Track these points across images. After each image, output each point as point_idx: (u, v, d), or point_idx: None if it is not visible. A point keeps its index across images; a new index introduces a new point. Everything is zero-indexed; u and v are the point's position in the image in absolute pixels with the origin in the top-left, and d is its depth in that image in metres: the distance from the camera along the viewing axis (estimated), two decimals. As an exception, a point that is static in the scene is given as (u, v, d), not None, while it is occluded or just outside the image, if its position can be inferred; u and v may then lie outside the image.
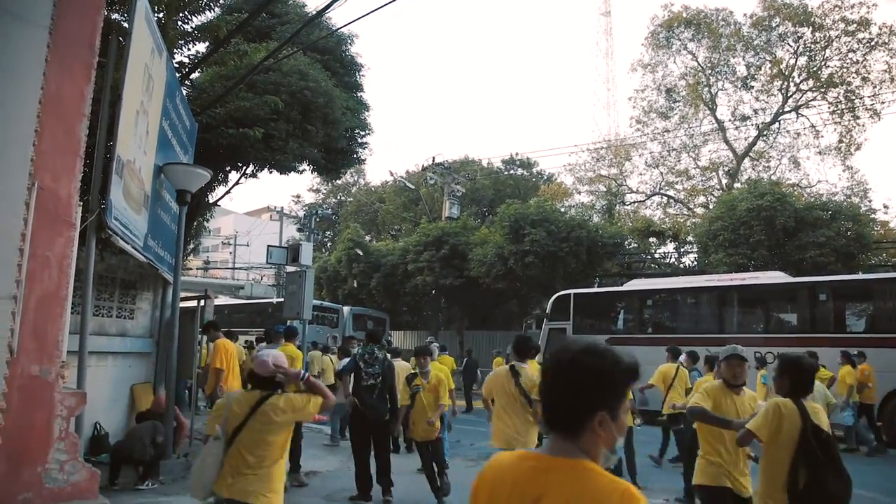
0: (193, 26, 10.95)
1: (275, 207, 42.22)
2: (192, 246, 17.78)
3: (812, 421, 3.42)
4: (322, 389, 3.53)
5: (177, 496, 6.38)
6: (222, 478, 3.32)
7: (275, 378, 3.45)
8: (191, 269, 44.57)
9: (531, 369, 5.89)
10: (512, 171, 38.51)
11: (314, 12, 13.07)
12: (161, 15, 9.83)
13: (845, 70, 26.48)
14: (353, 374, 7.42)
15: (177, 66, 10.49)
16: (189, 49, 11.74)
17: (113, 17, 9.33)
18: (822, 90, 27.24)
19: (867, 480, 8.77)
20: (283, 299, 17.44)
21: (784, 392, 3.60)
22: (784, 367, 3.67)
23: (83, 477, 4.75)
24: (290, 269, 14.98)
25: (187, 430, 8.47)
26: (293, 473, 7.65)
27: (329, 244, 42.09)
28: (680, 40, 30.21)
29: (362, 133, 15.83)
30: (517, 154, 38.61)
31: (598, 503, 1.40)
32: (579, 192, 34.26)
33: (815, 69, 27.16)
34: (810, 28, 26.63)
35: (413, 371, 7.44)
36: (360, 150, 15.99)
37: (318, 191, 46.10)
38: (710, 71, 29.88)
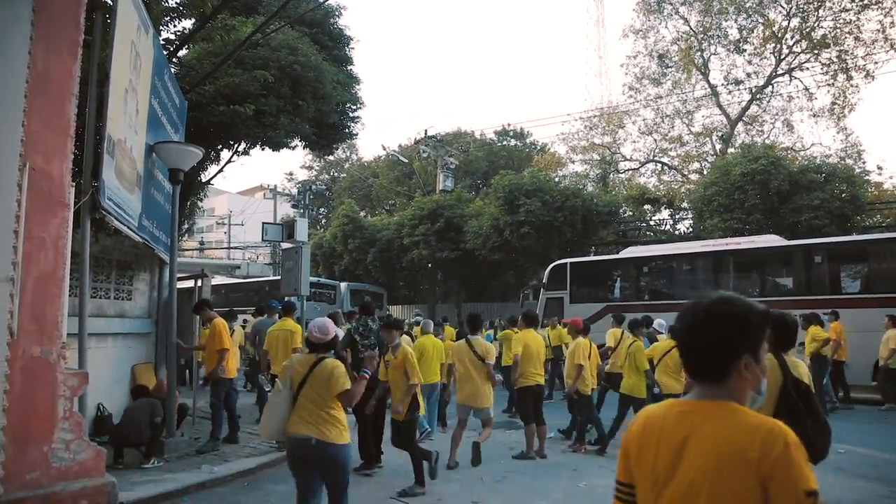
0: (178, 2, 10.76)
1: (268, 186, 41.99)
2: (186, 226, 17.71)
3: (792, 374, 3.58)
4: (354, 391, 4.24)
5: (182, 472, 6.44)
6: (291, 422, 4.16)
7: (326, 344, 4.35)
8: (187, 249, 44.48)
9: (482, 339, 7.68)
10: (505, 143, 38.35)
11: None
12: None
13: (838, 30, 26.25)
14: (349, 348, 7.53)
15: (164, 43, 10.33)
16: (175, 26, 11.54)
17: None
18: (815, 52, 27.03)
19: (868, 438, 8.94)
20: (279, 277, 17.43)
21: (768, 347, 3.63)
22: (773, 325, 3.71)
23: (89, 456, 4.78)
24: (285, 245, 14.95)
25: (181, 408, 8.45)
26: None
27: (324, 221, 42.00)
28: (671, 4, 29.91)
29: (353, 107, 15.67)
30: (510, 125, 38.45)
31: (744, 438, 1.46)
32: (573, 162, 34.20)
33: (807, 30, 26.92)
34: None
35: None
36: (352, 124, 15.85)
37: (310, 168, 45.90)
38: (702, 35, 29.60)
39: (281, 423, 4.20)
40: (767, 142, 27.48)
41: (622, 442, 1.72)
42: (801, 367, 3.72)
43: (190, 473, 6.38)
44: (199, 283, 10.77)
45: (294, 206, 30.65)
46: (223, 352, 8.07)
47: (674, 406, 1.66)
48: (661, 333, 10.14)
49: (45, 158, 4.89)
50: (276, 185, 40.85)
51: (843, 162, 24.30)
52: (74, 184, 5.36)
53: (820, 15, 26.56)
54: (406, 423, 6.39)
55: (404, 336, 9.99)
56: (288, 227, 12.37)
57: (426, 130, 30.03)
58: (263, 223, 13.30)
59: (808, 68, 27.84)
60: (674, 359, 7.65)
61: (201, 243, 52.43)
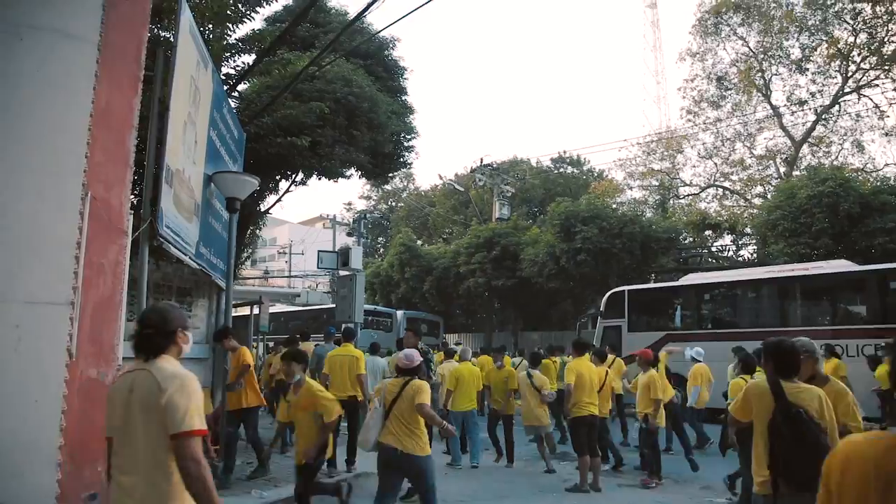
0: (237, 38, 11.20)
1: (327, 216, 42.84)
2: (246, 254, 18.20)
3: (786, 399, 3.59)
4: (426, 411, 5.10)
5: (232, 497, 6.50)
6: (382, 434, 5.07)
7: (412, 370, 5.21)
8: (249, 278, 45.66)
9: (539, 373, 9.40)
10: (561, 170, 38.16)
11: (358, 20, 13.23)
12: (207, 27, 10.10)
13: (911, 44, 25.17)
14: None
15: (224, 77, 10.76)
16: (235, 61, 12.00)
17: (161, 34, 9.64)
18: (886, 67, 25.93)
19: None
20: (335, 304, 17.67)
21: (770, 375, 3.81)
22: (766, 351, 3.89)
23: (141, 476, 4.87)
24: (342, 273, 15.19)
25: None
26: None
27: (382, 250, 42.51)
28: (729, 26, 29.32)
29: (408, 136, 15.93)
30: (566, 152, 38.26)
31: None
32: (631, 188, 33.65)
33: (876, 45, 25.87)
34: (870, 2, 25.37)
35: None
36: (407, 153, 16.11)
37: (368, 197, 46.70)
38: (762, 56, 28.87)
39: (375, 435, 5.09)
40: (836, 163, 26.44)
41: (824, 467, 1.72)
42: (806, 394, 3.67)
43: (240, 498, 6.44)
44: (257, 310, 11.02)
45: (349, 235, 31.16)
46: (248, 367, 8.08)
47: (880, 439, 1.64)
48: (699, 362, 10.84)
49: (105, 188, 5.10)
50: (334, 215, 41.68)
51: (919, 182, 23.10)
52: (133, 212, 5.57)
53: (890, 28, 25.53)
54: (311, 469, 5.69)
55: (446, 362, 10.02)
56: (343, 255, 12.57)
57: (482, 159, 30.20)
58: (319, 251, 13.55)
59: (877, 85, 26.72)
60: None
61: (266, 272, 53.69)
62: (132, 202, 8.58)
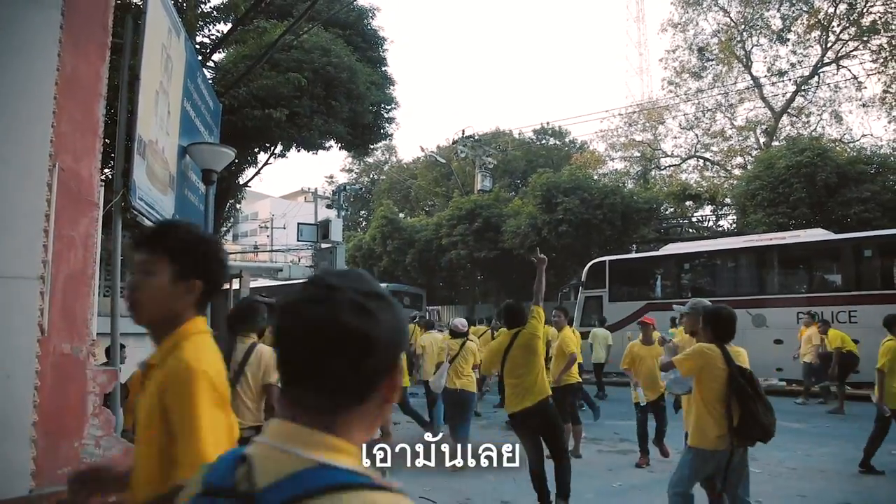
0: (212, 6, 10.95)
1: (309, 189, 42.48)
2: (225, 228, 18.02)
3: (735, 362, 3.98)
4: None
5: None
6: (448, 379, 7.53)
7: (464, 333, 7.99)
8: (231, 253, 45.28)
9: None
10: (544, 141, 38.04)
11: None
12: (179, -4, 9.85)
13: (889, 15, 25.21)
14: None
15: (198, 46, 10.52)
16: (209, 30, 11.72)
17: (132, 1, 9.38)
18: (865, 38, 26.00)
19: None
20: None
21: (708, 339, 4.12)
22: (706, 318, 4.18)
23: (119, 451, 4.84)
24: (323, 246, 15.10)
25: None
26: None
27: (364, 223, 42.31)
28: (711, -5, 29.19)
29: (388, 107, 15.75)
30: (549, 123, 38.12)
31: None
32: (612, 159, 33.70)
33: (856, 16, 25.91)
34: (850, -28, 25.41)
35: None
36: (387, 124, 15.94)
37: (350, 170, 46.34)
38: (743, 26, 28.83)
39: (444, 382, 7.57)
40: (814, 134, 26.60)
41: None
42: (743, 356, 4.12)
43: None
44: (237, 284, 10.93)
45: (328, 207, 30.96)
46: None
47: None
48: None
49: (74, 158, 4.97)
50: (316, 189, 41.33)
51: (895, 152, 23.34)
52: (104, 184, 5.45)
53: (869, 0, 25.57)
54: None
55: (434, 333, 10.04)
56: (323, 228, 12.49)
57: (464, 130, 30.00)
58: (299, 224, 13.46)
59: (856, 56, 26.83)
60: None
61: (255, 247, 53.15)
62: (106, 175, 8.43)
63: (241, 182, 14.92)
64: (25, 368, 4.42)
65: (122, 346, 6.55)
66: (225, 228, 18.31)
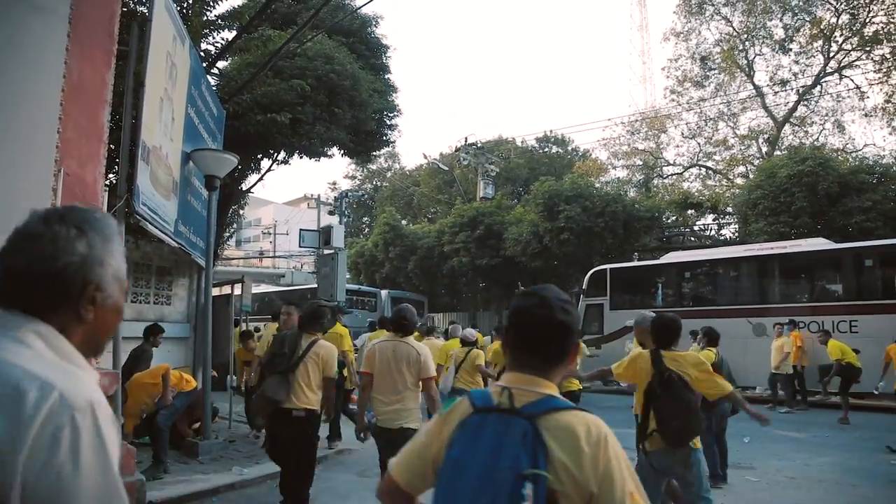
0: (216, 14, 11.04)
1: (312, 195, 42.61)
2: (228, 233, 18.09)
3: (663, 365, 4.20)
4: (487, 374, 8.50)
5: (212, 473, 6.53)
6: (456, 382, 8.30)
7: (473, 342, 8.73)
8: (233, 258, 45.42)
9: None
10: (546, 149, 38.13)
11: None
12: (184, 5, 9.95)
13: (892, 25, 25.28)
14: None
15: (203, 54, 10.61)
16: (214, 37, 11.82)
17: (138, 9, 9.48)
18: (867, 48, 26.07)
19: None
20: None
21: (650, 345, 4.46)
22: (651, 326, 4.54)
23: (120, 454, 4.87)
24: (325, 252, 15.15)
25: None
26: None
27: (367, 230, 42.39)
28: (713, 5, 29.30)
29: (391, 115, 15.81)
30: (551, 132, 38.21)
31: None
32: (615, 168, 33.75)
33: (858, 26, 26.00)
34: (852, -17, 25.53)
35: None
36: (390, 132, 16.00)
37: (353, 177, 46.44)
38: (745, 36, 28.91)
39: (451, 383, 8.18)
40: (816, 143, 26.64)
41: None
42: (683, 360, 4.28)
43: (220, 475, 6.48)
44: (240, 290, 10.96)
45: (330, 213, 31.03)
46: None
47: None
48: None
49: (78, 163, 5.04)
50: (319, 195, 41.46)
51: (897, 162, 23.35)
52: (107, 188, 5.52)
53: (872, 10, 25.65)
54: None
55: (433, 339, 10.08)
56: (325, 234, 12.54)
57: (466, 138, 30.11)
58: (301, 230, 13.51)
59: (859, 66, 26.89)
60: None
61: (261, 253, 53.32)
62: (110, 180, 8.51)
63: (244, 188, 14.98)
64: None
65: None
66: (228, 234, 18.38)
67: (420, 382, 4.73)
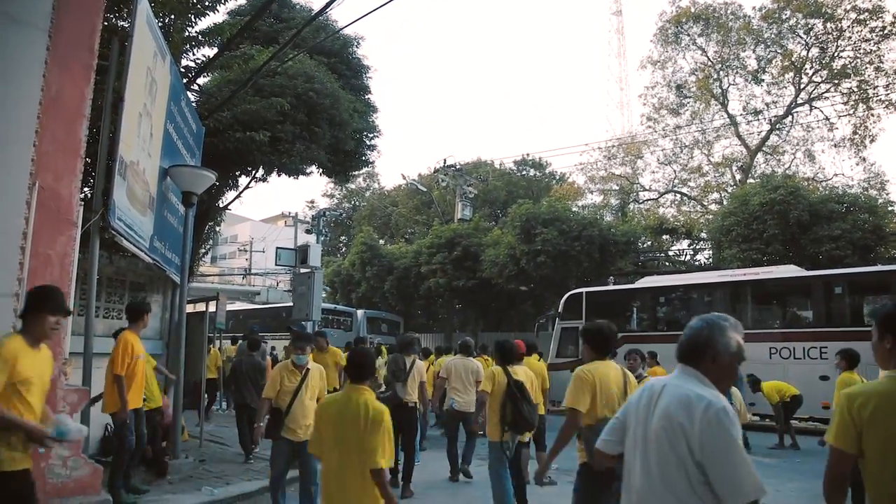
0: (198, 31, 11.03)
1: (289, 213, 42.41)
2: (203, 250, 17.92)
3: (513, 377, 5.77)
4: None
5: (181, 494, 6.41)
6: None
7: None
8: (208, 275, 44.90)
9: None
10: (524, 172, 38.42)
11: (321, 15, 13.14)
12: (166, 21, 9.94)
13: (859, 60, 26.10)
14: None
15: (183, 70, 10.58)
16: (195, 53, 11.81)
17: (119, 24, 9.45)
18: (836, 81, 26.87)
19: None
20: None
21: (504, 363, 6.01)
22: (495, 348, 6.35)
23: (86, 472, 4.79)
24: (301, 270, 15.06)
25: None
26: None
27: (344, 249, 42.22)
28: (689, 35, 29.98)
29: (370, 135, 15.88)
30: (529, 155, 38.51)
31: None
32: (592, 192, 34.13)
33: (827, 60, 26.80)
34: (821, 19, 26.29)
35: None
36: (369, 152, 16.05)
37: (332, 196, 46.32)
38: (720, 65, 29.61)
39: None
40: (788, 172, 27.24)
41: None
42: (521, 371, 6.03)
43: (189, 495, 6.36)
44: (215, 307, 10.86)
45: (308, 232, 30.93)
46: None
47: None
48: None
49: (54, 178, 5.00)
50: (296, 213, 41.27)
51: (865, 192, 23.94)
52: (82, 203, 5.47)
53: (840, 45, 26.46)
54: None
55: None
56: (302, 253, 12.49)
57: (445, 160, 30.24)
58: (278, 248, 13.45)
59: (828, 98, 27.66)
60: None
61: (247, 270, 52.72)
62: (86, 195, 8.41)
63: (221, 205, 14.90)
64: (-5, 387, 4.38)
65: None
66: (203, 250, 18.21)
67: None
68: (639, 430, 2.40)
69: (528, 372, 6.33)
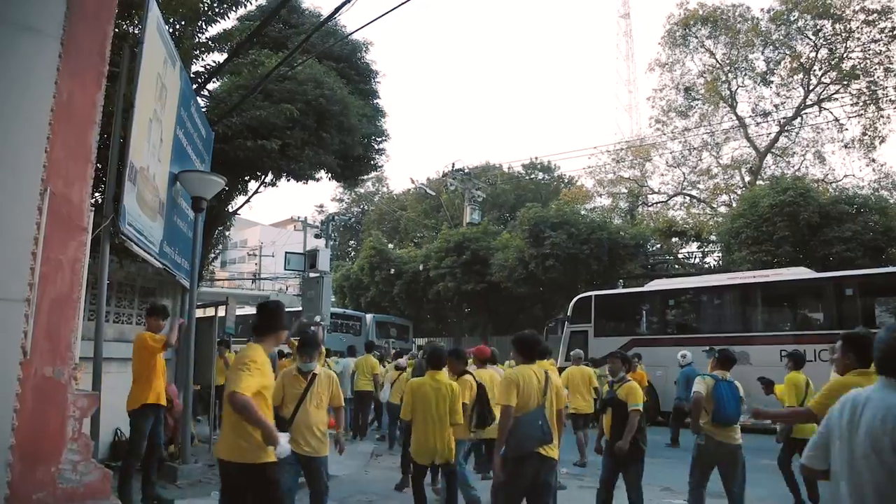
0: (208, 37, 11.08)
1: (298, 218, 42.55)
2: (213, 255, 17.99)
3: (479, 381, 6.51)
4: None
5: (191, 499, 6.43)
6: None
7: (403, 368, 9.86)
8: (218, 280, 45.08)
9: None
10: (533, 176, 38.45)
11: (330, 20, 13.19)
12: (177, 26, 10.00)
13: (868, 61, 25.97)
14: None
15: (193, 75, 10.64)
16: (205, 59, 11.86)
17: (130, 30, 9.51)
18: (845, 82, 26.75)
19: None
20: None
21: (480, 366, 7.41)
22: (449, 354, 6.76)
23: (96, 477, 4.80)
24: (310, 275, 15.10)
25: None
26: None
27: (353, 253, 42.32)
28: (697, 38, 29.93)
29: (379, 140, 15.89)
30: (537, 158, 38.58)
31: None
32: (600, 195, 34.09)
33: (836, 61, 26.67)
34: (830, 20, 26.20)
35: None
36: (377, 156, 16.06)
37: (340, 200, 46.51)
38: (728, 67, 29.56)
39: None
40: (798, 174, 27.10)
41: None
42: (487, 376, 7.11)
43: (200, 500, 6.38)
44: (224, 311, 10.90)
45: (317, 237, 31.10)
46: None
47: None
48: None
49: (65, 183, 5.02)
50: (306, 217, 41.40)
51: (876, 193, 23.79)
52: (93, 208, 5.50)
53: (849, 46, 26.33)
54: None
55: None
56: (311, 257, 12.52)
57: (454, 163, 30.31)
58: (287, 253, 13.49)
59: (837, 99, 27.54)
60: None
61: (256, 275, 52.88)
62: (96, 200, 8.47)
63: (231, 209, 14.95)
64: (5, 391, 4.40)
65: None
66: (213, 255, 18.28)
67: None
68: (843, 446, 2.39)
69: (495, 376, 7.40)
